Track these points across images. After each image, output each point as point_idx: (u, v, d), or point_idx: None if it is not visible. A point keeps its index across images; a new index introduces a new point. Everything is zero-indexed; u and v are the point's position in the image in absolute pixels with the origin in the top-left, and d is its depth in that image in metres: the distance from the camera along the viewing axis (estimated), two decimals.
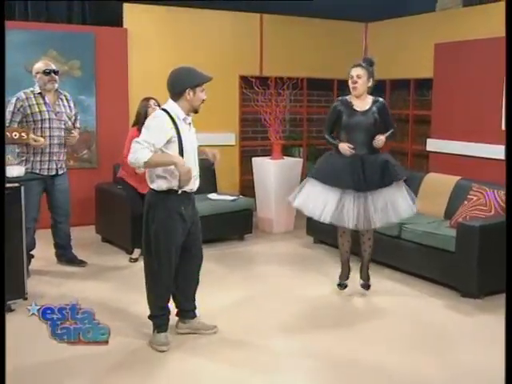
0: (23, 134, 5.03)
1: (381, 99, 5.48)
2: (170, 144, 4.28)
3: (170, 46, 8.42)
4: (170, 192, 4.34)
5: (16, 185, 5.06)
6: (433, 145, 8.10)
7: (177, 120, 4.33)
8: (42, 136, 5.81)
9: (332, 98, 9.77)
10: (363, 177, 5.26)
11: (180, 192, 4.36)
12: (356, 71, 5.37)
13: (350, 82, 5.42)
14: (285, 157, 8.33)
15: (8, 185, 4.94)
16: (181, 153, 4.30)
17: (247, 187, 8.85)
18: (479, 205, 6.01)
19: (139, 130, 6.40)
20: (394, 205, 5.33)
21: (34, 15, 8.28)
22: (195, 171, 4.43)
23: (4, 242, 3.73)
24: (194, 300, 4.74)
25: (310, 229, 7.44)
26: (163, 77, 8.58)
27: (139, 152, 4.16)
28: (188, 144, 4.38)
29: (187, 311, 4.74)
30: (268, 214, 8.06)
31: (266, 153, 8.77)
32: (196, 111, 4.45)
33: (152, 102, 6.46)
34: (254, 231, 7.75)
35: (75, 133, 6.14)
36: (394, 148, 9.30)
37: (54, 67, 6.02)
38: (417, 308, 5.39)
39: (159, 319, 4.53)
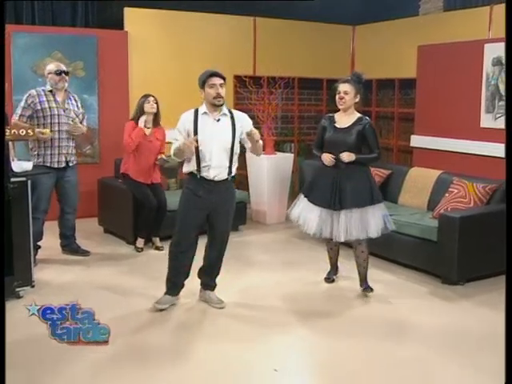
0: (29, 131, 5.03)
1: (366, 118, 5.26)
2: (190, 136, 4.65)
3: (168, 47, 8.42)
4: (190, 175, 4.78)
5: (23, 179, 5.07)
6: (416, 141, 8.12)
7: (199, 115, 4.68)
8: (51, 130, 5.87)
9: (321, 97, 9.83)
10: (339, 196, 5.13)
11: (199, 177, 4.70)
12: (344, 87, 5.20)
13: (337, 97, 5.24)
14: (277, 152, 8.35)
15: (15, 179, 4.96)
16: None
17: (241, 181, 8.85)
18: (459, 197, 6.04)
19: (136, 124, 6.48)
20: (364, 224, 5.13)
21: (40, 19, 8.31)
22: (211, 161, 4.66)
23: (4, 241, 3.71)
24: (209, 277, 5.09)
25: None
26: (161, 77, 8.62)
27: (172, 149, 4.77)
28: (206, 137, 4.63)
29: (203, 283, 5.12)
30: (261, 206, 8.08)
31: None
32: (215, 105, 4.66)
33: (151, 98, 6.48)
34: (248, 222, 7.77)
35: (82, 125, 6.19)
36: (380, 144, 9.32)
37: (64, 68, 6.11)
38: (400, 294, 5.41)
39: (167, 283, 4.93)
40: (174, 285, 4.94)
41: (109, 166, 7.44)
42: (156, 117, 6.54)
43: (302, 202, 5.43)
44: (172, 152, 4.77)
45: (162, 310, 4.83)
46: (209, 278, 5.07)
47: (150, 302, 4.92)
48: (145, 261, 6.29)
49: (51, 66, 6.08)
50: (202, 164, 4.67)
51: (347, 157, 5.11)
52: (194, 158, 4.67)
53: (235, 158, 4.81)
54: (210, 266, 5.03)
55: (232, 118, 4.76)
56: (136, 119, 6.49)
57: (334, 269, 5.77)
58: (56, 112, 5.97)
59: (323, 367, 4.02)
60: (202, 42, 8.58)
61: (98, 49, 7.91)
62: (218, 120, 4.69)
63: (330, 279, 5.72)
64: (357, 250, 5.38)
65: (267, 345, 4.30)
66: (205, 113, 4.68)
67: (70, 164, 6.14)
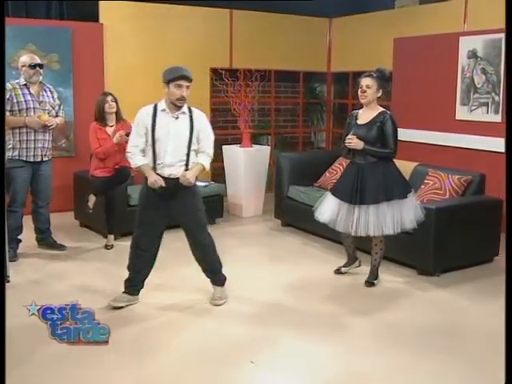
0: None
1: (387, 113, 5.19)
2: (148, 133, 4.61)
3: (144, 40, 8.37)
4: None
5: None
6: None
7: (158, 111, 4.61)
8: (26, 126, 5.85)
9: (298, 90, 9.83)
10: (361, 190, 5.11)
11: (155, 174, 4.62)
12: (365, 81, 5.16)
13: (359, 91, 5.20)
14: (254, 145, 8.34)
15: None
16: (152, 141, 4.58)
17: (218, 174, 8.85)
18: (435, 189, 6.09)
19: (100, 125, 6.37)
20: (394, 218, 5.12)
21: (14, 11, 8.19)
22: (165, 159, 4.63)
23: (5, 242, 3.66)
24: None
25: (277, 213, 7.48)
26: (137, 69, 8.56)
27: (131, 155, 4.74)
28: (163, 134, 4.57)
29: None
30: (238, 199, 8.07)
31: (236, 141, 8.77)
32: (175, 105, 4.61)
33: (109, 98, 6.39)
34: (224, 215, 7.75)
35: (57, 119, 6.11)
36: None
37: (39, 61, 6.03)
38: (377, 285, 5.45)
39: (125, 282, 4.87)
40: (132, 284, 4.85)
41: (84, 159, 7.34)
42: (117, 114, 6.48)
43: (328, 196, 5.41)
44: (130, 153, 4.72)
45: (117, 307, 4.73)
46: (210, 274, 5.00)
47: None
48: (116, 255, 6.25)
49: (25, 58, 5.99)
50: (158, 161, 4.63)
51: (354, 143, 5.10)
52: (151, 155, 4.64)
53: (193, 155, 4.72)
54: (203, 263, 4.95)
55: (191, 117, 4.70)
56: (99, 119, 6.40)
57: (350, 260, 5.75)
58: (32, 105, 5.90)
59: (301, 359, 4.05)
60: (178, 35, 8.54)
61: (73, 41, 7.83)
62: (177, 118, 4.65)
63: (338, 270, 5.72)
64: (373, 242, 5.40)
65: (246, 336, 4.32)
66: (164, 110, 4.63)
67: (45, 158, 6.08)
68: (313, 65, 9.57)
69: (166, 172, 4.64)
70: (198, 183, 7.48)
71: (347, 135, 5.20)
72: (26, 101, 5.89)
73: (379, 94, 5.22)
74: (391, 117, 5.18)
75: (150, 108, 4.65)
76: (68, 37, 7.80)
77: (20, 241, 6.09)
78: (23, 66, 5.94)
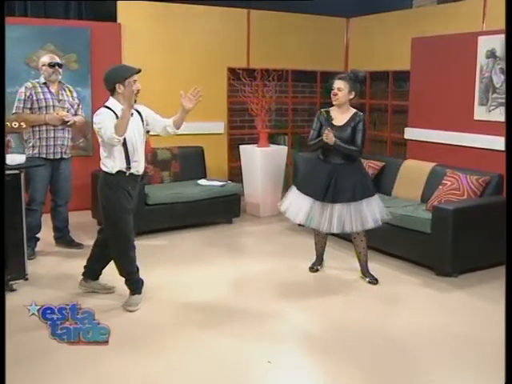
0: (22, 124, 5.02)
1: (361, 115, 5.37)
2: None
3: (162, 40, 8.39)
4: (116, 173, 4.65)
5: (16, 172, 5.05)
6: (410, 133, 8.12)
7: (118, 113, 4.50)
8: (45, 125, 5.94)
9: (315, 89, 9.82)
10: (334, 190, 5.25)
11: (128, 174, 4.64)
12: (337, 84, 5.31)
13: (332, 93, 5.35)
14: (271, 145, 8.34)
15: (8, 172, 4.94)
16: (124, 141, 4.55)
17: (235, 173, 8.86)
18: (453, 189, 6.05)
19: None
20: (362, 216, 5.28)
21: (33, 11, 8.26)
22: (139, 156, 4.69)
23: (4, 242, 3.68)
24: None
25: None
26: (154, 69, 8.59)
27: (110, 132, 4.46)
28: (130, 133, 4.56)
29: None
30: (255, 198, 8.07)
31: (253, 141, 8.77)
32: (134, 101, 4.50)
33: None
34: (241, 215, 7.77)
35: (76, 118, 6.18)
36: (374, 136, 9.35)
37: (58, 60, 6.13)
38: (394, 285, 5.44)
39: (135, 284, 4.81)
40: (139, 282, 4.85)
41: None
42: None
43: (294, 194, 5.51)
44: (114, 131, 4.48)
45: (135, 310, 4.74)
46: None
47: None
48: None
49: (45, 58, 6.08)
50: (133, 159, 4.64)
51: (327, 136, 5.17)
52: (121, 155, 4.61)
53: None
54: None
55: (137, 110, 4.72)
56: None
57: (320, 259, 5.86)
58: (51, 103, 5.99)
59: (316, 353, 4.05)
60: (196, 35, 8.55)
61: (92, 41, 7.87)
62: (132, 114, 4.61)
63: (313, 269, 5.80)
64: (356, 240, 5.52)
65: (260, 333, 4.32)
66: (122, 109, 4.47)
67: (65, 156, 6.14)
68: (330, 65, 9.54)
69: (141, 168, 4.74)
70: (215, 182, 7.58)
71: (319, 131, 5.35)
72: (45, 99, 5.96)
73: (351, 96, 5.34)
74: (364, 119, 5.36)
75: (108, 111, 4.58)
76: (86, 37, 7.84)
77: (38, 239, 6.15)
78: (43, 65, 6.03)
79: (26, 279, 5.18)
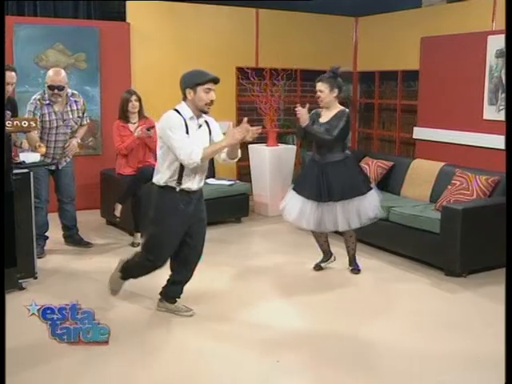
0: (32, 123, 4.98)
1: (346, 111, 5.37)
2: None
3: (170, 39, 8.40)
4: (164, 188, 4.29)
5: (26, 171, 5.07)
6: (419, 133, 8.11)
7: (187, 120, 4.21)
8: (47, 140, 5.91)
9: None
10: (327, 189, 5.30)
11: (178, 189, 4.27)
12: (318, 86, 5.41)
13: (316, 96, 5.46)
14: (279, 144, 8.34)
15: (18, 171, 4.95)
16: None
17: (244, 173, 8.87)
18: (462, 189, 6.03)
19: (123, 122, 6.42)
20: (350, 215, 5.32)
21: (42, 11, 8.30)
22: (196, 169, 4.26)
23: (3, 233, 3.68)
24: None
25: None
26: (163, 68, 8.61)
27: (191, 154, 4.09)
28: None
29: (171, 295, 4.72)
30: (263, 197, 8.07)
31: (262, 140, 8.74)
32: (203, 111, 4.26)
33: (133, 97, 6.41)
34: (250, 214, 7.78)
35: (74, 141, 6.15)
36: (383, 136, 9.34)
37: (60, 83, 5.87)
38: (403, 285, 5.43)
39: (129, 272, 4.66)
40: (134, 277, 4.70)
41: (111, 157, 7.38)
42: (140, 113, 6.50)
43: (290, 193, 5.60)
44: (201, 156, 4.11)
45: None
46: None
47: (149, 293, 4.91)
48: None
49: (49, 74, 5.92)
50: (185, 173, 4.25)
51: (300, 113, 5.30)
52: (176, 167, 4.23)
53: None
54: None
55: (207, 122, 4.40)
56: (122, 117, 6.45)
57: (327, 255, 5.87)
58: (55, 124, 5.96)
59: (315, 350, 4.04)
60: (205, 34, 8.57)
61: (100, 40, 7.89)
62: (200, 126, 4.32)
63: (317, 267, 5.83)
64: (345, 236, 5.66)
65: (261, 333, 4.32)
66: (192, 117, 4.24)
67: (60, 167, 6.15)
68: (339, 64, 9.44)
69: (196, 185, 4.35)
70: (224, 182, 7.59)
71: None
72: (50, 120, 5.93)
73: (335, 94, 5.39)
74: (348, 115, 5.37)
75: (177, 115, 4.21)
76: (95, 36, 7.86)
77: (47, 238, 6.17)
78: (46, 82, 5.93)
79: (36, 278, 5.20)
